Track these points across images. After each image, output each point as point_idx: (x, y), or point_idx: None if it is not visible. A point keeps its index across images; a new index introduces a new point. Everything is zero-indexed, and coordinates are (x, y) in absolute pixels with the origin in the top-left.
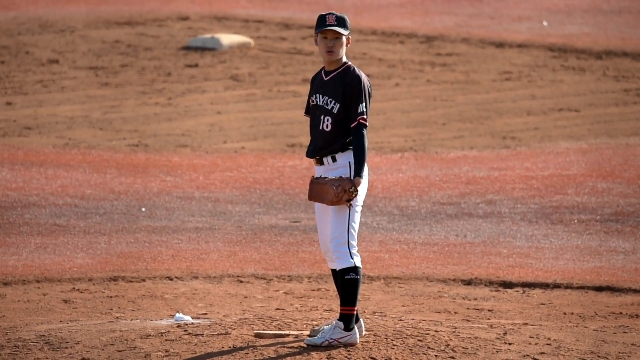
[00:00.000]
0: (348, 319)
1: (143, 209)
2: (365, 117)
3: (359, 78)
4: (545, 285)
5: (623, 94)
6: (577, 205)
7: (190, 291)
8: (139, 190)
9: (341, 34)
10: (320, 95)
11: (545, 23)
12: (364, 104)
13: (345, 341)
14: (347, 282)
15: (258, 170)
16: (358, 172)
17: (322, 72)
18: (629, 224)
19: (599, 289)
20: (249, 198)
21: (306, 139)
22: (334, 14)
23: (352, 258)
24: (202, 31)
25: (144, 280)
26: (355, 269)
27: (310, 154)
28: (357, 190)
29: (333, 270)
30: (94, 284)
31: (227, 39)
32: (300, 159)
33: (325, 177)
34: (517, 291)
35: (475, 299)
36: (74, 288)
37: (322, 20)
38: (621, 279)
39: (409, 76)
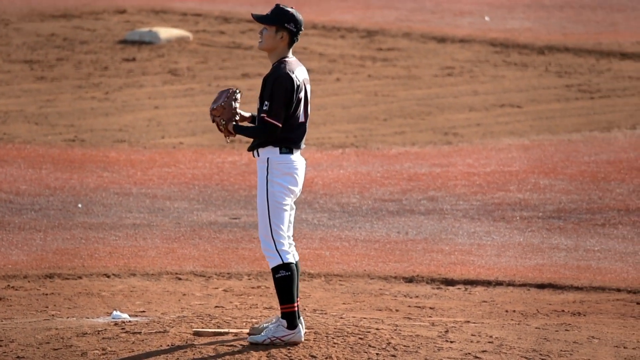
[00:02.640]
0: (290, 317)
1: (79, 205)
2: (266, 115)
3: (274, 74)
4: (487, 283)
5: (565, 89)
6: (519, 202)
7: (127, 289)
8: (76, 186)
9: (268, 26)
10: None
11: (487, 18)
12: (267, 101)
13: (288, 339)
14: (278, 280)
15: (197, 166)
16: (238, 128)
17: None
18: (570, 220)
19: (541, 286)
20: (188, 194)
21: None
22: (276, 5)
23: (281, 255)
24: (140, 24)
25: (80, 277)
26: (285, 266)
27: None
28: (224, 127)
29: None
30: (29, 281)
31: (165, 32)
32: (240, 154)
33: (227, 99)
34: (459, 289)
35: (417, 297)
36: (8, 285)
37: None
38: (563, 276)
39: (350, 71)
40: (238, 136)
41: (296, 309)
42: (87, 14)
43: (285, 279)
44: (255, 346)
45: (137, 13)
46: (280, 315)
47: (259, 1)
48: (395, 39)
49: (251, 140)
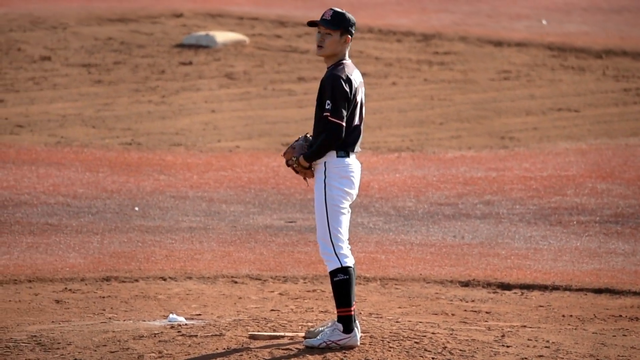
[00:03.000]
0: (346, 321)
1: (136, 208)
2: (330, 114)
3: (332, 75)
4: (543, 287)
5: (623, 93)
6: (576, 206)
7: (183, 292)
8: (132, 189)
9: (332, 30)
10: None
11: (544, 21)
12: (329, 100)
13: (344, 343)
14: (337, 284)
15: (253, 169)
16: (308, 155)
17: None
18: (628, 225)
19: (598, 291)
20: (244, 198)
21: None
22: (332, 9)
23: (339, 259)
24: (197, 28)
25: (137, 280)
26: (343, 270)
27: None
28: (297, 165)
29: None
30: (86, 284)
31: (222, 36)
32: None
33: (299, 142)
34: (515, 293)
35: (473, 301)
36: (66, 288)
37: (322, 15)
38: (620, 281)
39: (406, 75)
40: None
41: (353, 313)
42: (144, 18)
43: (343, 283)
44: (310, 350)
45: (194, 17)
46: (336, 319)
47: (315, 5)
48: (452, 42)
49: None
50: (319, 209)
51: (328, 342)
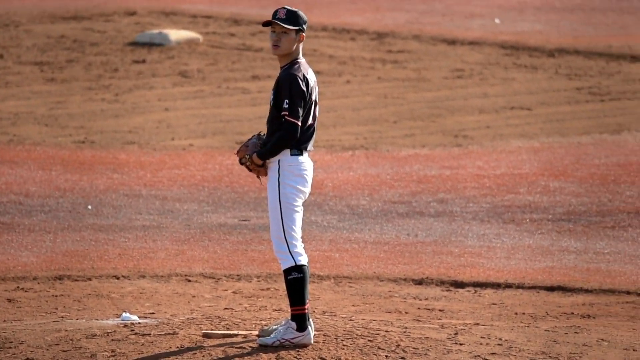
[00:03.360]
0: (299, 319)
1: (89, 207)
2: (287, 113)
3: (290, 75)
4: (496, 285)
5: (575, 92)
6: (529, 204)
7: (137, 290)
8: (85, 188)
9: (288, 29)
10: (272, 91)
11: (497, 20)
12: (287, 100)
13: (298, 341)
14: (290, 282)
15: (206, 167)
16: (262, 153)
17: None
18: (580, 223)
19: (550, 289)
20: (197, 196)
21: None
22: (285, 8)
23: (294, 257)
24: (150, 26)
25: (90, 279)
26: (297, 268)
27: None
28: (251, 162)
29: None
30: (38, 283)
31: (175, 34)
32: None
33: (253, 140)
34: (469, 291)
35: (427, 299)
36: (18, 287)
37: (273, 14)
38: (573, 278)
39: (360, 73)
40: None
41: (306, 311)
42: (98, 16)
43: (297, 281)
44: (264, 348)
45: (148, 15)
46: (290, 318)
47: (269, 3)
48: (406, 41)
49: None
50: (273, 207)
51: (282, 340)
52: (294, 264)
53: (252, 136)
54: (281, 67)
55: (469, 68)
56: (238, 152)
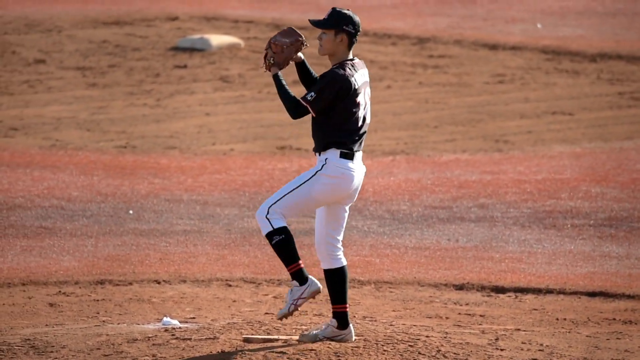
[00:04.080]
0: (298, 274)
1: (130, 212)
2: (307, 101)
3: (331, 72)
4: (537, 291)
5: (617, 97)
6: (571, 209)
7: (178, 295)
8: (127, 193)
9: (326, 30)
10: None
11: (539, 25)
12: (315, 94)
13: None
14: (276, 246)
15: (247, 172)
16: (278, 80)
17: None
18: (622, 228)
19: (592, 294)
20: (238, 201)
21: (295, 141)
22: (332, 8)
23: (271, 222)
24: (191, 31)
25: (131, 283)
26: (278, 231)
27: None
28: (270, 62)
29: (324, 271)
30: (80, 287)
31: (217, 39)
32: (290, 161)
33: (290, 46)
34: (510, 296)
35: (467, 304)
36: (60, 291)
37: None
38: (614, 284)
39: (401, 78)
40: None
41: (301, 266)
42: (139, 21)
43: (282, 243)
44: (304, 353)
45: (189, 20)
46: (332, 317)
47: (311, 8)
48: (447, 46)
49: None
50: (291, 182)
51: (294, 302)
52: (272, 228)
53: (299, 35)
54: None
55: (510, 73)
56: (275, 43)
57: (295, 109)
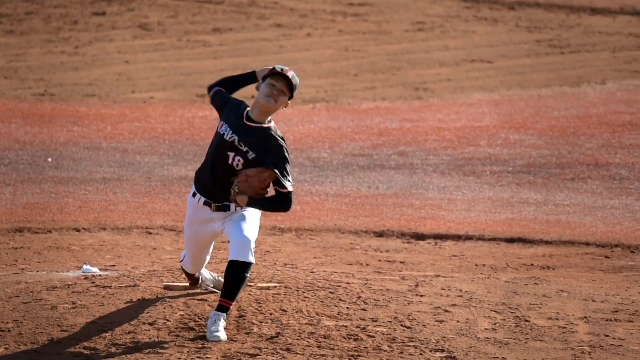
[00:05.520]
0: (225, 310)
1: (49, 159)
2: (290, 185)
3: (283, 142)
4: (457, 237)
5: (535, 45)
6: (490, 156)
7: (97, 243)
8: (45, 140)
9: (289, 92)
10: (237, 137)
11: None
12: (288, 174)
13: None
14: (243, 278)
15: (167, 120)
16: (254, 202)
17: (245, 113)
18: (540, 175)
19: (510, 240)
20: (158, 149)
21: None
22: (291, 72)
23: (252, 255)
24: None
25: (50, 231)
26: (249, 267)
27: (211, 194)
28: (236, 194)
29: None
30: None
31: None
32: (210, 109)
33: (261, 178)
34: (429, 243)
35: (387, 251)
36: None
37: (277, 69)
38: (533, 230)
39: (321, 26)
40: None
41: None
42: None
43: (246, 279)
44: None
45: None
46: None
47: None
48: None
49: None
50: (254, 220)
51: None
52: (253, 261)
53: (266, 171)
54: (253, 119)
55: (430, 21)
56: (247, 176)
57: (289, 203)
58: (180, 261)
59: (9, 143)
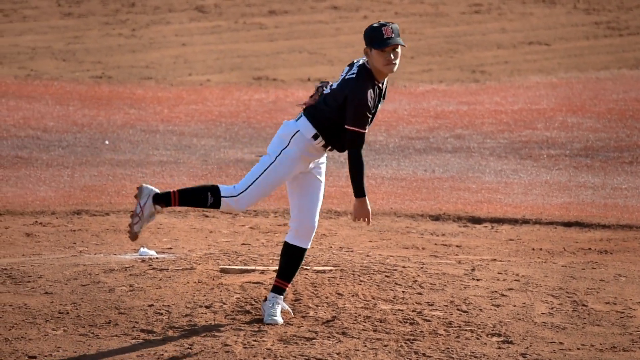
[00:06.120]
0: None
1: (106, 142)
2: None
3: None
4: (514, 221)
5: (594, 27)
6: (547, 140)
7: (154, 225)
8: (103, 123)
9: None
10: (377, 109)
11: None
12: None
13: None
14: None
15: (223, 103)
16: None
17: (376, 83)
18: (598, 158)
19: (567, 224)
20: (215, 132)
21: (272, 72)
22: (388, 25)
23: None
24: None
25: (107, 214)
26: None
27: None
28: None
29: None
30: (57, 218)
31: None
32: (266, 92)
33: None
34: (486, 227)
35: (444, 235)
36: (36, 221)
37: (379, 34)
38: (590, 214)
39: (377, 8)
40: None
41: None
42: None
43: (301, 261)
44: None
45: None
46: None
47: None
48: None
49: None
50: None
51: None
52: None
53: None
54: (383, 82)
55: (487, 3)
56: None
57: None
58: (226, 196)
59: (67, 126)
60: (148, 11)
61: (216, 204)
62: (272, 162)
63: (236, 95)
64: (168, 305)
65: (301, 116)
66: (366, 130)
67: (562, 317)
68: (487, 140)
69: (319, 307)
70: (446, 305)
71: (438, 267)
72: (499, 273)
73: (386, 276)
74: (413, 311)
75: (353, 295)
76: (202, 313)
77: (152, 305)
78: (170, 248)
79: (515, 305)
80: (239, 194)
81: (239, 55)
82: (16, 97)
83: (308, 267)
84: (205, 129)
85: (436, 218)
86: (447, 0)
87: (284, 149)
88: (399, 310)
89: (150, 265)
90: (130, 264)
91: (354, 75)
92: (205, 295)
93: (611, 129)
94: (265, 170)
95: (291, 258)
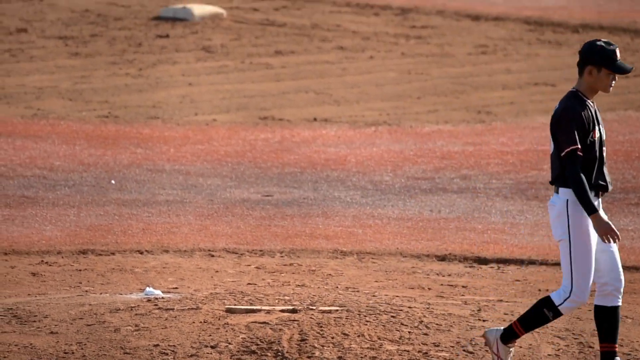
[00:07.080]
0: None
1: (113, 182)
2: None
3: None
4: (520, 262)
5: None
6: None
7: (160, 265)
8: (109, 162)
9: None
10: (601, 127)
11: None
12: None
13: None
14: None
15: (230, 143)
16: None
17: (587, 101)
18: (604, 200)
19: None
20: (221, 171)
21: (278, 112)
22: (617, 47)
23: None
24: (174, 1)
25: (113, 253)
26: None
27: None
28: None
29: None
30: (62, 257)
31: (199, 9)
32: (272, 132)
33: None
34: (492, 267)
35: (450, 275)
36: (42, 261)
37: (614, 56)
38: None
39: (384, 49)
40: None
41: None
42: None
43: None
44: (287, 323)
45: None
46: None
47: None
48: (429, 16)
49: None
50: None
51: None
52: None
53: None
54: (592, 101)
55: (493, 44)
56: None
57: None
58: (562, 302)
59: (74, 165)
60: (155, 51)
61: (559, 314)
62: (571, 244)
63: (242, 135)
64: (174, 345)
65: (556, 189)
66: (577, 145)
67: (568, 358)
68: (493, 180)
69: (325, 348)
70: (452, 346)
71: (444, 307)
72: (505, 314)
73: (392, 316)
74: (419, 352)
75: (359, 336)
76: (207, 353)
77: (157, 345)
78: (176, 287)
79: (521, 347)
80: (570, 293)
81: (245, 95)
82: (22, 137)
83: (314, 307)
84: (212, 168)
85: (442, 258)
86: (453, 41)
87: (569, 225)
88: (405, 350)
89: (156, 305)
90: (136, 304)
91: (557, 110)
92: (210, 335)
93: (617, 170)
94: (572, 256)
95: (604, 320)
